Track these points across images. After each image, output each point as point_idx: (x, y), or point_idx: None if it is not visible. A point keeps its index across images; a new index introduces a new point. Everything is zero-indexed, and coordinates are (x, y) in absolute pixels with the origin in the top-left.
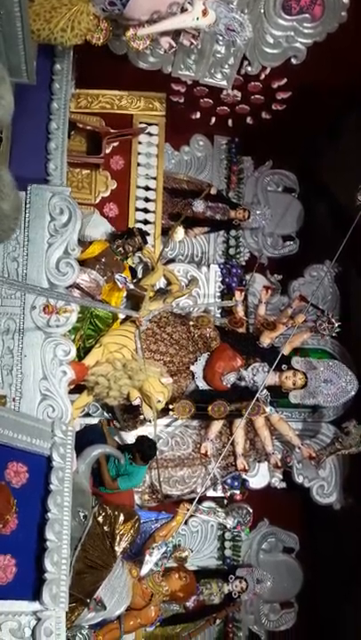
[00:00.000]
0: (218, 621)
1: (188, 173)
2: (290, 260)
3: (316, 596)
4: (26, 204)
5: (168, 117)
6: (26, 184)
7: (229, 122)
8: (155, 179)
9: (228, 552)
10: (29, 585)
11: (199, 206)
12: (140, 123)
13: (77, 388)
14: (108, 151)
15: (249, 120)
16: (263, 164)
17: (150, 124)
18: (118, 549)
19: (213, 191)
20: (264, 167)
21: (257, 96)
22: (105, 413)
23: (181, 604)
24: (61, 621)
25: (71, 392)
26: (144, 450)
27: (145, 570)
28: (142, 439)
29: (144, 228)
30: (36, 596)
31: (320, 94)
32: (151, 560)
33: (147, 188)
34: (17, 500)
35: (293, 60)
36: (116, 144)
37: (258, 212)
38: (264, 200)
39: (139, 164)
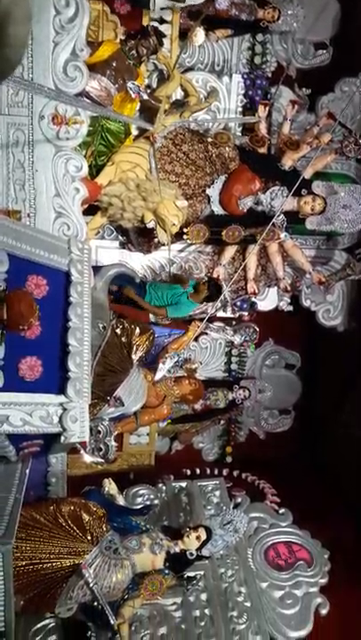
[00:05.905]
0: (222, 422)
1: None
2: (320, 71)
3: (312, 405)
4: None
5: None
6: None
7: None
8: None
9: (233, 366)
10: (55, 382)
11: (223, 3)
12: None
13: (91, 211)
14: None
15: None
16: None
17: None
18: (135, 357)
19: None
20: None
21: None
22: (120, 237)
23: (190, 406)
24: (85, 412)
25: (85, 214)
26: (212, 291)
27: (159, 375)
28: (217, 283)
29: (160, 27)
30: (61, 390)
31: None
32: (164, 367)
33: None
34: (39, 307)
35: None
36: None
37: (289, 13)
38: None
39: None
